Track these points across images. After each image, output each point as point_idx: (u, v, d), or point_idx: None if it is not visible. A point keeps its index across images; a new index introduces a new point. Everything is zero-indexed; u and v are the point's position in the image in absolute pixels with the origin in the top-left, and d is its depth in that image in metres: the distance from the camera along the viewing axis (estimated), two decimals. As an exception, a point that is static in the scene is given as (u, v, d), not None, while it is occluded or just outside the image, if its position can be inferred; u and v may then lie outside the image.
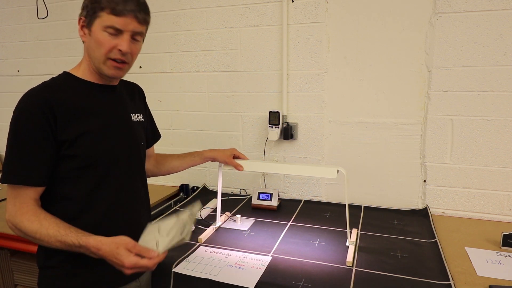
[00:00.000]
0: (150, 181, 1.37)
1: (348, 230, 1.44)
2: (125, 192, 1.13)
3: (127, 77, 1.19)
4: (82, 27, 1.04)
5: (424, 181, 1.78)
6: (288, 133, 1.91)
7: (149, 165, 1.39)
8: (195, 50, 2.08)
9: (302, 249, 1.41)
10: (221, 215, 1.68)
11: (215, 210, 1.72)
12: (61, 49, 2.41)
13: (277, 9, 1.88)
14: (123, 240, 0.93)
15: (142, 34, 1.07)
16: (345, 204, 1.38)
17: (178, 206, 1.90)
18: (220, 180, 1.58)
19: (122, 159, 1.13)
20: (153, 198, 1.88)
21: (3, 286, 1.72)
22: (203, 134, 2.15)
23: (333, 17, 1.80)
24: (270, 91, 1.97)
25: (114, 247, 0.92)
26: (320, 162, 1.94)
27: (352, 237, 1.46)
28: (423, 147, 1.76)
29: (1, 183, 0.99)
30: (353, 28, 1.77)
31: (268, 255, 1.37)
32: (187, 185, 2.14)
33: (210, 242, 1.48)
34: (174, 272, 1.26)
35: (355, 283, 1.18)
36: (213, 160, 1.49)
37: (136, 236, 1.14)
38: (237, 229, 1.60)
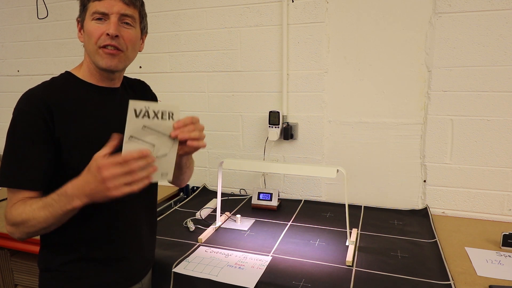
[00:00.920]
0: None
1: (348, 230, 1.44)
2: (123, 202, 1.11)
3: (128, 76, 1.19)
4: (79, 29, 1.04)
5: (424, 181, 1.78)
6: (288, 133, 1.91)
7: None
8: (195, 50, 2.08)
9: (302, 249, 1.41)
10: (221, 215, 1.68)
11: (215, 210, 1.72)
12: (61, 49, 2.41)
13: (277, 9, 1.88)
14: (93, 159, 0.83)
15: (134, 19, 1.01)
16: (345, 204, 1.38)
17: (178, 206, 1.90)
18: (220, 180, 1.58)
19: None
20: (153, 198, 1.88)
21: (3, 286, 1.72)
22: (203, 134, 2.15)
23: (333, 17, 1.80)
24: (270, 91, 1.97)
25: (85, 172, 0.84)
26: (320, 162, 1.94)
27: (352, 237, 1.46)
28: (423, 147, 1.76)
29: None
30: (353, 28, 1.77)
31: (268, 255, 1.37)
32: (187, 185, 2.14)
33: (210, 242, 1.48)
34: (174, 272, 1.26)
35: (355, 283, 1.18)
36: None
37: (137, 237, 1.14)
38: (237, 229, 1.60)
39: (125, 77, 1.16)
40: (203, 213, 1.74)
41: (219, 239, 1.50)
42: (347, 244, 1.43)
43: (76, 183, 0.85)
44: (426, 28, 1.67)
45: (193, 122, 0.96)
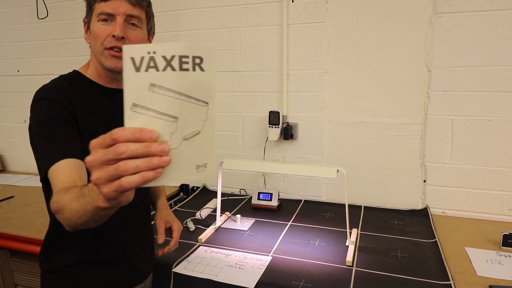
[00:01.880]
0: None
1: (348, 230, 1.44)
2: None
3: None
4: (86, 30, 1.03)
5: (424, 181, 1.78)
6: (288, 133, 1.91)
7: None
8: (195, 50, 2.08)
9: (302, 249, 1.41)
10: (221, 215, 1.68)
11: (215, 210, 1.72)
12: (61, 49, 2.41)
13: (277, 9, 1.88)
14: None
15: (140, 20, 1.00)
16: (345, 204, 1.38)
17: (178, 206, 1.90)
18: (220, 180, 1.58)
19: None
20: (153, 198, 1.88)
21: (3, 286, 1.72)
22: (203, 134, 2.15)
23: (333, 17, 1.80)
24: (270, 91, 1.97)
25: None
26: (320, 162, 1.94)
27: (352, 237, 1.46)
28: (423, 147, 1.76)
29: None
30: (353, 28, 1.77)
31: (268, 255, 1.37)
32: (187, 185, 2.14)
33: (210, 242, 1.48)
34: (174, 272, 1.26)
35: (355, 283, 1.18)
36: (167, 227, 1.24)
37: (140, 238, 1.14)
38: (237, 229, 1.60)
39: None
40: (203, 213, 1.74)
41: (219, 239, 1.50)
42: (347, 244, 1.43)
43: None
44: (426, 28, 1.67)
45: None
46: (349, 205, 1.40)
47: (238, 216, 1.68)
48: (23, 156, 2.63)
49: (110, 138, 0.51)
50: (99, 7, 0.96)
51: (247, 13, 1.94)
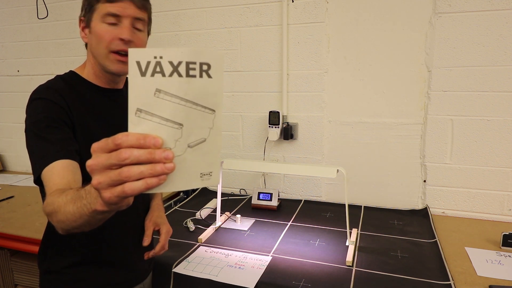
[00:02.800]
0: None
1: (348, 230, 1.44)
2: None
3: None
4: (83, 28, 1.00)
5: (424, 181, 1.78)
6: (288, 133, 1.91)
7: None
8: (195, 50, 2.08)
9: (302, 249, 1.41)
10: (221, 215, 1.68)
11: (215, 210, 1.72)
12: (61, 49, 2.41)
13: (277, 9, 1.88)
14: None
15: (144, 23, 0.98)
16: (345, 204, 1.38)
17: (178, 206, 1.90)
18: (220, 180, 1.58)
19: None
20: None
21: (3, 286, 1.72)
22: (203, 134, 2.15)
23: (333, 17, 1.80)
24: (270, 91, 1.97)
25: None
26: (320, 162, 1.94)
27: (352, 237, 1.46)
28: (423, 147, 1.76)
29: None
30: (353, 28, 1.77)
31: (268, 255, 1.37)
32: (187, 185, 2.14)
33: (210, 242, 1.48)
34: (174, 272, 1.26)
35: (355, 283, 1.18)
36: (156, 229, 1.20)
37: (139, 239, 1.13)
38: (237, 229, 1.60)
39: (127, 77, 1.15)
40: (203, 213, 1.74)
41: (219, 239, 1.50)
42: (347, 244, 1.43)
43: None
44: (426, 28, 1.67)
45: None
46: (349, 205, 1.40)
47: (238, 216, 1.68)
48: (23, 156, 2.63)
49: (113, 143, 0.50)
50: (104, 8, 0.93)
51: (247, 13, 1.94)
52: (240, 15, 1.96)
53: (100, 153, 0.51)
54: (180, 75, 0.50)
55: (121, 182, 0.50)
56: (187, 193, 2.13)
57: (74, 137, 0.93)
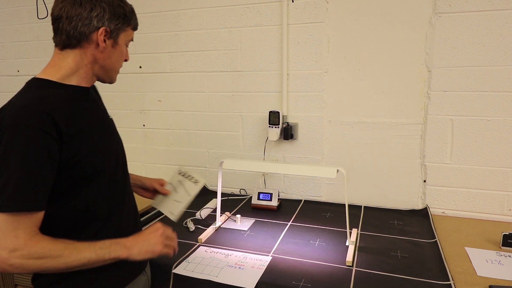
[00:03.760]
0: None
1: (348, 230, 1.44)
2: (125, 195, 1.14)
3: (128, 76, 1.19)
4: (105, 37, 0.99)
5: (424, 181, 1.78)
6: (288, 133, 1.91)
7: None
8: (195, 50, 2.08)
9: (302, 249, 1.41)
10: (221, 215, 1.68)
11: (215, 210, 1.71)
12: (61, 49, 2.41)
13: (277, 9, 1.88)
14: (157, 227, 1.08)
15: None
16: (345, 204, 1.38)
17: (178, 206, 1.90)
18: (220, 180, 1.58)
19: (121, 159, 1.14)
20: (153, 198, 1.88)
21: (3, 286, 1.72)
22: (203, 134, 2.15)
23: (333, 17, 1.80)
24: (270, 91, 1.97)
25: (147, 232, 1.06)
26: (320, 162, 1.94)
27: (352, 237, 1.46)
28: (423, 147, 1.76)
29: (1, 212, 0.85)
30: (353, 28, 1.77)
31: (268, 255, 1.37)
32: (187, 185, 2.14)
33: (210, 242, 1.48)
34: (174, 273, 1.26)
35: (355, 283, 1.18)
36: (142, 186, 1.35)
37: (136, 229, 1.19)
38: (237, 229, 1.60)
39: None
40: (203, 213, 1.74)
41: (219, 239, 1.50)
42: (347, 244, 1.43)
43: (134, 238, 1.02)
44: (426, 28, 1.67)
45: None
46: (349, 205, 1.40)
47: (238, 216, 1.68)
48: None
49: (172, 235, 1.10)
50: (130, 34, 1.08)
51: (247, 13, 1.94)
52: (240, 15, 1.96)
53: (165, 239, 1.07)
54: (188, 179, 1.35)
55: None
56: (187, 193, 2.13)
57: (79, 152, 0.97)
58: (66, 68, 1.00)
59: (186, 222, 1.65)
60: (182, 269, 1.26)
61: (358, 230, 1.57)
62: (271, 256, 1.36)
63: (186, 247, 1.43)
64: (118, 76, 1.13)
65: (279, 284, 1.19)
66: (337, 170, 1.37)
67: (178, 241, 1.47)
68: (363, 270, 1.26)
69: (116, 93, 2.25)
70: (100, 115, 1.10)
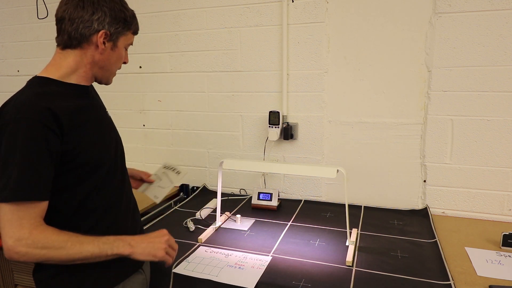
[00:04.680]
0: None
1: (348, 230, 1.44)
2: (123, 189, 1.15)
3: (128, 76, 1.20)
4: (104, 39, 1.02)
5: (424, 181, 1.78)
6: (288, 133, 1.91)
7: None
8: (195, 50, 2.08)
9: (302, 249, 1.41)
10: (221, 215, 1.68)
11: (215, 210, 1.72)
12: (61, 49, 2.41)
13: (277, 9, 1.88)
14: (163, 232, 1.11)
15: None
16: (345, 204, 1.38)
17: (178, 206, 1.90)
18: (220, 180, 1.58)
19: (120, 155, 1.16)
20: (153, 198, 1.88)
21: (3, 286, 1.72)
22: (203, 134, 2.15)
23: (333, 17, 1.80)
24: (270, 91, 1.97)
25: (152, 235, 1.08)
26: (320, 162, 1.94)
27: (352, 237, 1.46)
28: (423, 147, 1.76)
29: (2, 201, 0.88)
30: (353, 28, 1.77)
31: (268, 255, 1.37)
32: (187, 185, 2.14)
33: (210, 242, 1.48)
34: (174, 272, 1.26)
35: (355, 283, 1.18)
36: (131, 175, 1.39)
37: (136, 225, 1.20)
38: (237, 229, 1.60)
39: None
40: (203, 213, 1.74)
41: (219, 239, 1.50)
42: (347, 244, 1.43)
43: (139, 237, 1.05)
44: (426, 28, 1.67)
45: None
46: (349, 205, 1.40)
47: (238, 216, 1.68)
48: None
49: (174, 243, 1.12)
50: (130, 38, 1.11)
51: (247, 13, 1.94)
52: (240, 15, 1.96)
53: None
54: (172, 171, 1.50)
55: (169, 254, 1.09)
56: (187, 193, 2.13)
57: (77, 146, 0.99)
58: (67, 67, 1.03)
59: (186, 222, 1.65)
60: (182, 269, 1.27)
61: (358, 230, 1.57)
62: (271, 256, 1.36)
63: (186, 247, 1.43)
64: (118, 76, 1.14)
65: (279, 284, 1.19)
66: (337, 170, 1.37)
67: (178, 241, 1.49)
68: (363, 270, 1.26)
69: (116, 93, 2.25)
70: (99, 112, 1.12)
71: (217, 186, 1.59)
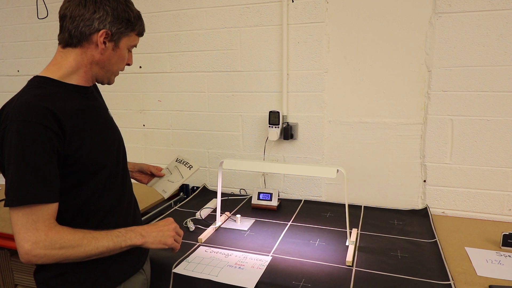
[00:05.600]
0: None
1: (348, 230, 1.44)
2: (125, 189, 1.15)
3: (128, 76, 1.20)
4: (105, 39, 1.01)
5: (424, 181, 1.78)
6: (288, 133, 1.91)
7: None
8: (195, 50, 2.08)
9: (302, 249, 1.41)
10: (221, 215, 1.68)
11: (215, 210, 1.72)
12: (61, 49, 2.41)
13: (277, 9, 1.88)
14: (169, 221, 1.14)
15: None
16: (345, 204, 1.38)
17: (178, 206, 1.90)
18: (220, 180, 1.58)
19: (122, 155, 1.15)
20: (153, 198, 1.88)
21: (3, 286, 1.72)
22: (203, 134, 2.15)
23: (333, 17, 1.80)
24: (270, 91, 1.97)
25: (161, 224, 1.11)
26: (320, 162, 1.94)
27: (352, 237, 1.46)
28: (423, 147, 1.76)
29: (14, 206, 0.88)
30: (353, 28, 1.77)
31: (268, 255, 1.37)
32: (187, 185, 2.14)
33: (210, 242, 1.48)
34: (174, 272, 1.26)
35: (355, 283, 1.18)
36: (140, 170, 1.45)
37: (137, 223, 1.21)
38: (237, 229, 1.60)
39: None
40: (203, 213, 1.74)
41: (219, 239, 1.50)
42: (347, 244, 1.43)
43: (148, 227, 1.08)
44: (426, 28, 1.67)
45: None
46: (349, 205, 1.40)
47: (238, 216, 1.68)
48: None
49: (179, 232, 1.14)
50: (135, 39, 1.09)
51: (247, 13, 1.94)
52: (240, 15, 1.96)
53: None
54: (184, 165, 1.51)
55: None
56: (187, 193, 2.13)
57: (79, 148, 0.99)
58: (67, 67, 1.02)
59: (186, 222, 1.65)
60: (182, 269, 1.27)
61: (358, 230, 1.57)
62: (271, 256, 1.36)
63: (186, 247, 1.43)
64: (118, 76, 1.14)
65: (279, 284, 1.19)
66: (337, 170, 1.37)
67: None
68: (363, 270, 1.26)
69: (116, 93, 2.25)
70: (101, 112, 1.12)
71: (217, 186, 1.59)
